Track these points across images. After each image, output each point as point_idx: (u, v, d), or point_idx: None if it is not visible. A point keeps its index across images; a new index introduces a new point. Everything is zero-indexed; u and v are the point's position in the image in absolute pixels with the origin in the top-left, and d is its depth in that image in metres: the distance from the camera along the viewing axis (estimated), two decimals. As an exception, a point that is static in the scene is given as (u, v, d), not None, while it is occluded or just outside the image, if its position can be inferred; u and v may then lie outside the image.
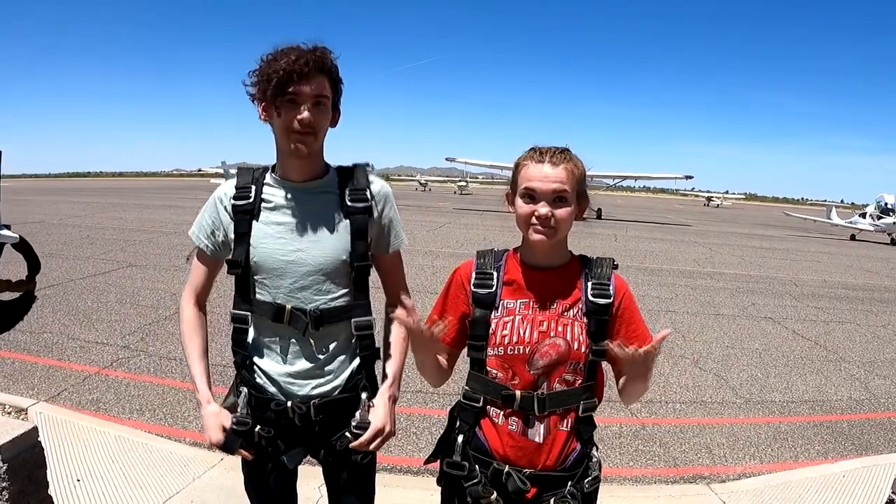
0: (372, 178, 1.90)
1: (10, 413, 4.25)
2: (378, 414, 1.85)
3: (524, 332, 1.69)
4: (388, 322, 1.98)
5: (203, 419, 1.85)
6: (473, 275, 1.78)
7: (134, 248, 13.11)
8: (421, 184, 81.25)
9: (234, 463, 1.94)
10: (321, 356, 1.85)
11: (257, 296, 1.84)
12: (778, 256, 18.79)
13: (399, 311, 1.63)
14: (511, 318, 1.71)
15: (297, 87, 1.68)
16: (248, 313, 1.86)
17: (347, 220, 1.84)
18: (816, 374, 6.65)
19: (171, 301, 8.29)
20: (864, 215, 31.36)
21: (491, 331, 1.72)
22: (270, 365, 1.87)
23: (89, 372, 5.46)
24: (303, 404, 1.83)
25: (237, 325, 1.88)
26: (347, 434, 1.83)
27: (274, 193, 1.84)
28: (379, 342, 1.97)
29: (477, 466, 1.75)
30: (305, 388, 1.85)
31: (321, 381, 1.86)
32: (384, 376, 1.93)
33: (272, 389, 1.86)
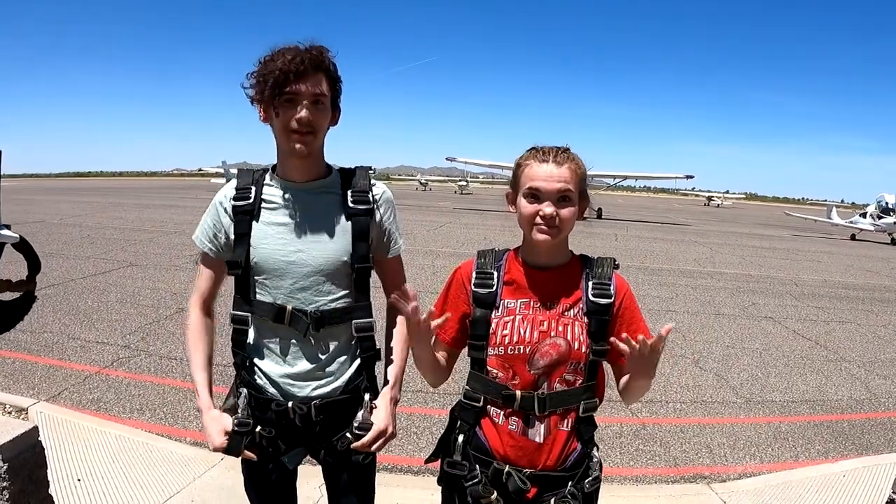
0: (374, 181, 1.90)
1: (10, 413, 4.26)
2: (380, 415, 1.85)
3: (525, 332, 1.69)
4: (390, 324, 1.98)
5: (204, 425, 1.84)
6: (474, 274, 1.78)
7: (134, 247, 13.11)
8: (421, 183, 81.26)
9: (234, 463, 1.94)
10: (322, 357, 1.85)
11: (258, 297, 1.84)
12: (778, 256, 18.78)
13: (394, 295, 1.62)
14: (511, 317, 1.71)
15: (294, 87, 1.68)
16: (249, 314, 1.85)
17: (349, 222, 1.83)
18: (817, 373, 6.65)
19: (172, 301, 8.30)
20: (864, 215, 31.35)
21: (491, 330, 1.72)
22: (270, 366, 1.86)
23: (90, 371, 5.47)
24: (303, 405, 1.82)
25: (237, 326, 1.88)
26: (348, 435, 1.83)
27: (274, 194, 1.84)
28: (380, 343, 1.97)
29: (477, 466, 1.75)
30: (306, 389, 1.84)
31: (321, 382, 1.85)
32: (385, 378, 1.93)
33: (272, 390, 1.86)
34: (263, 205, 1.83)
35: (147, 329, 6.91)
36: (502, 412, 1.74)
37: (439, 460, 1.86)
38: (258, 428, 1.84)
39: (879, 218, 29.32)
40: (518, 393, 1.69)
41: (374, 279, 1.94)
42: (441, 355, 1.85)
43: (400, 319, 2.00)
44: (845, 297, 11.76)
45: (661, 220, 37.04)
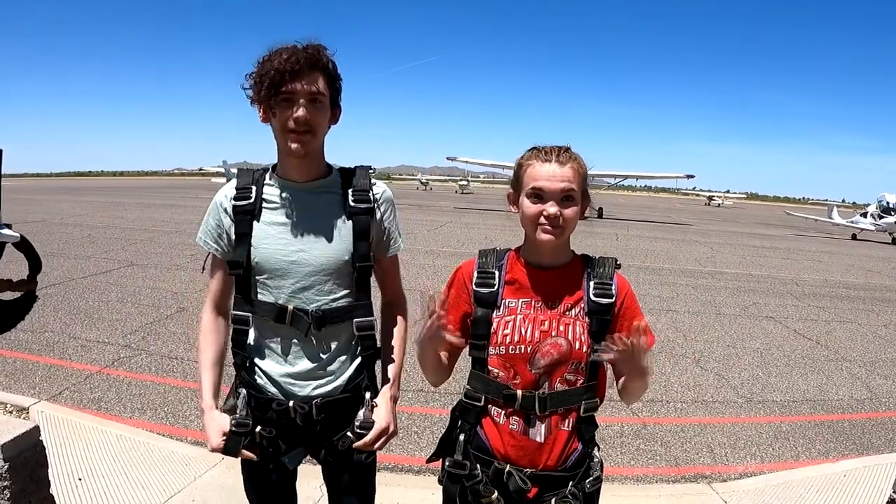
0: (374, 180, 1.90)
1: (11, 412, 4.26)
2: (381, 413, 1.85)
3: (526, 332, 1.69)
4: (387, 323, 1.98)
5: (204, 426, 1.85)
6: (475, 274, 1.78)
7: (135, 247, 13.11)
8: (422, 183, 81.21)
9: (235, 462, 1.94)
10: (323, 356, 1.85)
11: (259, 296, 1.84)
12: (779, 256, 18.77)
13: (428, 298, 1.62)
14: (513, 317, 1.71)
15: (291, 86, 1.67)
16: (250, 314, 1.85)
17: (350, 221, 1.83)
18: (818, 373, 6.64)
19: (173, 300, 8.30)
20: (865, 215, 31.34)
21: (492, 330, 1.72)
22: (271, 366, 1.86)
23: (90, 371, 5.47)
24: (304, 404, 1.82)
25: (237, 326, 1.87)
26: (349, 434, 1.83)
27: (275, 193, 1.83)
28: (379, 342, 1.97)
29: (478, 466, 1.75)
30: (306, 388, 1.84)
31: (322, 381, 1.85)
32: (384, 376, 1.93)
33: (273, 390, 1.86)
34: (264, 205, 1.83)
35: (148, 328, 6.92)
36: (503, 412, 1.74)
37: (440, 460, 1.86)
38: (258, 428, 1.83)
39: (880, 217, 29.32)
40: (519, 392, 1.69)
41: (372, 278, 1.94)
42: (443, 354, 1.85)
43: (400, 319, 2.01)
44: (846, 296, 11.76)
45: (662, 220, 37.03)
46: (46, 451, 2.41)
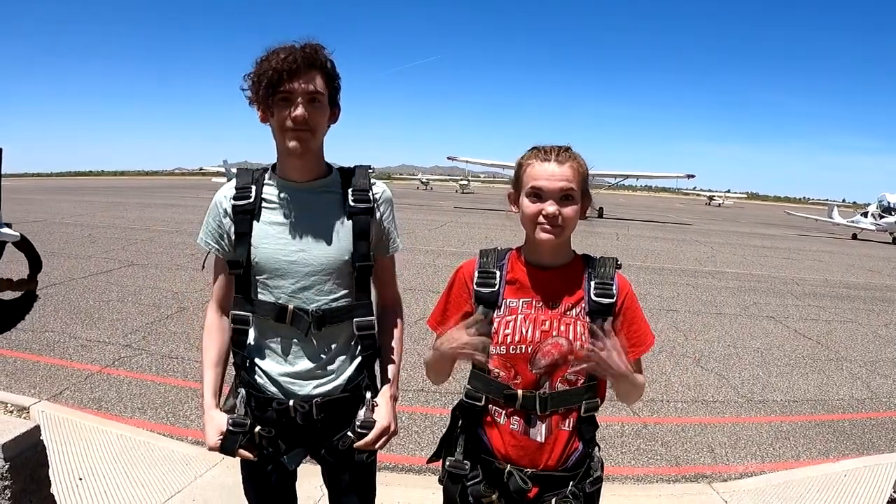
0: (374, 180, 1.90)
1: (12, 412, 4.26)
2: (382, 413, 1.85)
3: (526, 332, 1.69)
4: (384, 322, 1.98)
5: (204, 425, 1.85)
6: (476, 273, 1.78)
7: (136, 246, 13.11)
8: (422, 182, 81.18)
9: (235, 462, 1.94)
10: (323, 356, 1.85)
11: (259, 296, 1.84)
12: (779, 255, 18.77)
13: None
14: (513, 317, 1.71)
15: (289, 85, 1.67)
16: (250, 314, 1.85)
17: (350, 221, 1.83)
18: (818, 373, 6.64)
19: (173, 300, 8.31)
20: (865, 214, 31.35)
21: (493, 329, 1.72)
22: (271, 365, 1.86)
23: (91, 371, 5.47)
24: (305, 403, 1.82)
25: (238, 326, 1.87)
26: (350, 434, 1.83)
27: (275, 193, 1.83)
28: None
29: (479, 466, 1.75)
30: (306, 387, 1.84)
31: (322, 380, 1.85)
32: (384, 376, 1.93)
33: (273, 389, 1.86)
34: (264, 204, 1.83)
35: (148, 328, 6.92)
36: (504, 412, 1.74)
37: (441, 460, 1.86)
38: (257, 428, 1.83)
39: (881, 217, 29.32)
40: (520, 392, 1.69)
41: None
42: None
43: (397, 319, 2.01)
44: (847, 296, 11.75)
45: (662, 220, 37.03)
46: (47, 450, 2.41)
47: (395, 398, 1.91)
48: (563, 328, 1.68)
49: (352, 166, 1.92)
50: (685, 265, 14.88)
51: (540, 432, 1.70)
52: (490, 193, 62.84)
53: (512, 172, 1.82)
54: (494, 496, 1.71)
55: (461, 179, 73.00)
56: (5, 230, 2.35)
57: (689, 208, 68.82)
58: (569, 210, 1.65)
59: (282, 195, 1.83)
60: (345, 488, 1.96)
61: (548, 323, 1.69)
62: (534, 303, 1.71)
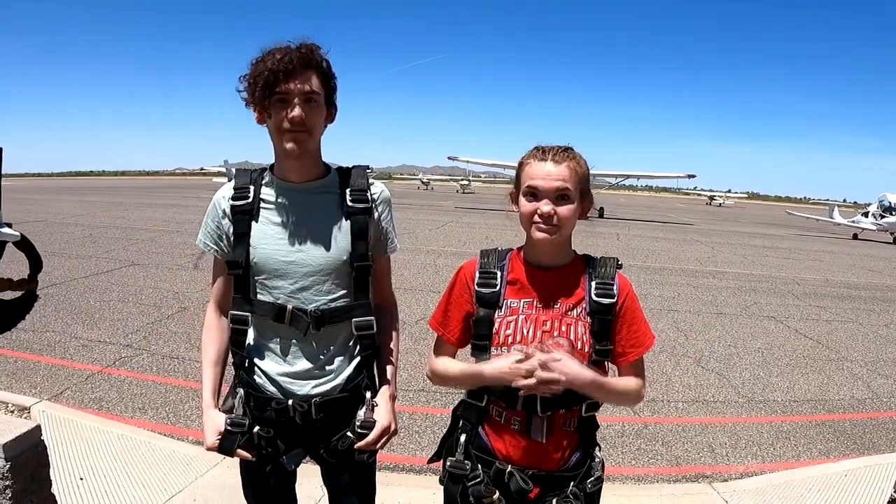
0: (372, 180, 1.90)
1: (12, 412, 4.26)
2: (382, 413, 1.85)
3: (527, 332, 1.69)
4: (381, 322, 1.97)
5: (203, 425, 1.85)
6: (477, 274, 1.77)
7: (136, 246, 13.12)
8: (423, 182, 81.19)
9: (236, 462, 1.95)
10: (322, 356, 1.85)
11: (258, 296, 1.84)
12: (780, 255, 18.76)
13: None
14: (514, 317, 1.71)
15: (285, 86, 1.67)
16: (249, 314, 1.85)
17: (348, 221, 1.83)
18: (819, 373, 6.64)
19: (174, 300, 8.31)
20: (866, 214, 31.34)
21: (494, 330, 1.72)
22: (270, 365, 1.86)
23: (92, 371, 5.47)
24: (304, 402, 1.82)
25: (236, 326, 1.87)
26: (350, 434, 1.83)
27: (273, 194, 1.83)
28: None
29: (479, 466, 1.75)
30: (305, 387, 1.84)
31: (321, 380, 1.85)
32: (382, 376, 1.93)
33: (272, 389, 1.86)
34: (262, 205, 1.83)
35: (149, 328, 6.92)
36: (505, 412, 1.74)
37: (441, 460, 1.86)
38: (256, 428, 1.84)
39: (881, 217, 29.31)
40: (521, 392, 1.69)
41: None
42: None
43: (393, 319, 2.01)
44: (847, 296, 11.75)
45: (663, 220, 37.02)
46: (48, 450, 2.41)
47: (393, 398, 1.91)
48: (563, 328, 1.68)
49: (350, 166, 1.92)
50: (686, 265, 14.88)
51: (541, 432, 1.70)
52: (491, 193, 62.85)
53: (512, 172, 1.83)
54: (495, 496, 1.70)
55: (462, 179, 73.00)
56: (5, 230, 2.35)
57: (691, 208, 68.81)
58: (564, 210, 1.65)
59: (280, 196, 1.83)
60: (345, 488, 1.96)
61: (549, 323, 1.68)
62: (535, 303, 1.71)
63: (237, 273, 1.83)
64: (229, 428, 1.81)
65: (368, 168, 1.93)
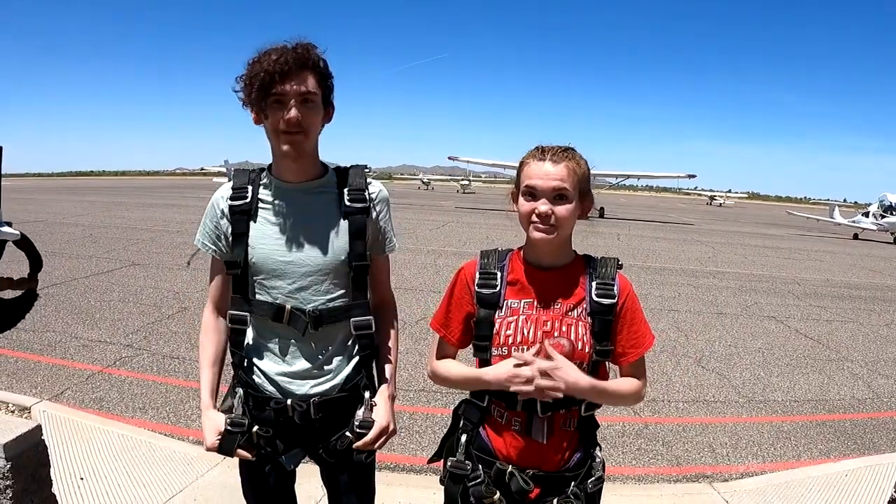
0: (370, 179, 1.90)
1: (13, 411, 4.26)
2: (381, 412, 1.85)
3: (528, 332, 1.68)
4: (380, 322, 1.97)
5: (202, 425, 1.85)
6: (477, 275, 1.77)
7: (137, 246, 13.12)
8: (423, 182, 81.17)
9: (237, 462, 1.95)
10: (320, 356, 1.85)
11: (257, 296, 1.84)
12: (780, 255, 18.76)
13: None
14: (515, 317, 1.70)
15: (281, 87, 1.66)
16: (247, 314, 1.85)
17: (346, 221, 1.83)
18: (819, 373, 6.63)
19: (174, 300, 8.31)
20: (867, 214, 31.34)
21: (495, 331, 1.71)
22: (269, 365, 1.86)
23: (92, 370, 5.47)
24: (302, 402, 1.82)
25: (235, 326, 1.87)
26: (348, 434, 1.83)
27: (271, 194, 1.83)
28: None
29: (480, 466, 1.75)
30: (304, 387, 1.84)
31: (320, 380, 1.85)
32: (381, 376, 1.93)
33: (270, 388, 1.86)
34: (260, 205, 1.83)
35: (150, 328, 6.92)
36: (505, 412, 1.74)
37: (442, 460, 1.86)
38: (255, 428, 1.84)
39: (882, 217, 29.31)
40: (519, 397, 1.68)
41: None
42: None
43: (392, 318, 2.01)
44: (848, 296, 11.74)
45: (664, 220, 37.02)
46: (48, 450, 2.41)
47: (392, 398, 1.91)
48: (564, 329, 1.68)
49: (347, 166, 1.92)
50: (686, 265, 14.88)
51: (541, 433, 1.70)
52: (491, 193, 62.84)
53: (512, 172, 1.83)
54: (496, 497, 1.70)
55: (462, 179, 72.99)
56: (6, 229, 2.35)
57: (691, 208, 68.79)
58: (562, 210, 1.64)
59: (278, 196, 1.83)
60: (343, 488, 1.95)
61: (549, 323, 1.68)
62: (535, 303, 1.71)
63: (236, 273, 1.83)
64: (229, 428, 1.81)
65: (366, 168, 1.93)
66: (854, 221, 32.15)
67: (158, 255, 12.09)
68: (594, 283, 1.71)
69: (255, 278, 1.83)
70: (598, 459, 1.78)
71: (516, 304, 1.72)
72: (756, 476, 4.19)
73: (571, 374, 1.60)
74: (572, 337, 1.67)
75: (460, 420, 1.84)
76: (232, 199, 1.83)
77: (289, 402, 1.83)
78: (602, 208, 30.63)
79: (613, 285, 1.71)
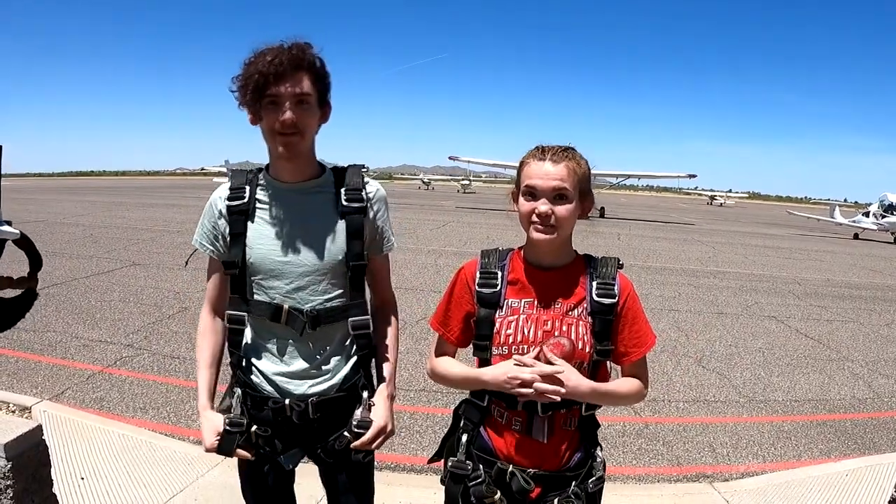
0: (367, 179, 1.90)
1: (14, 411, 4.26)
2: (379, 412, 1.85)
3: (528, 332, 1.68)
4: (379, 322, 1.97)
5: (201, 427, 1.85)
6: (478, 274, 1.77)
7: (137, 246, 13.13)
8: (424, 182, 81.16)
9: (237, 461, 1.95)
10: (318, 356, 1.85)
11: (255, 296, 1.84)
12: (781, 255, 18.75)
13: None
14: (515, 317, 1.70)
15: (275, 89, 1.66)
16: (245, 314, 1.85)
17: (343, 221, 1.83)
18: (819, 372, 6.63)
19: (175, 300, 8.31)
20: (867, 214, 31.33)
21: (495, 330, 1.71)
22: (267, 365, 1.86)
23: (93, 370, 5.47)
24: (300, 402, 1.82)
25: (233, 326, 1.87)
26: (347, 434, 1.83)
27: (268, 194, 1.83)
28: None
29: (481, 466, 1.75)
30: (302, 387, 1.84)
31: (318, 380, 1.85)
32: (380, 375, 1.93)
33: (268, 388, 1.86)
34: (258, 205, 1.83)
35: (150, 328, 6.92)
36: (506, 412, 1.74)
37: (443, 460, 1.86)
38: (253, 428, 1.84)
39: (882, 217, 29.30)
40: (519, 399, 1.68)
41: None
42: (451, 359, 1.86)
43: (392, 318, 2.00)
44: (848, 296, 11.74)
45: (664, 220, 37.01)
46: (49, 450, 2.41)
47: (392, 397, 1.91)
48: (564, 328, 1.68)
49: (345, 166, 1.92)
50: (687, 265, 14.87)
51: (542, 432, 1.70)
52: (492, 193, 62.82)
53: (513, 172, 1.83)
54: (497, 496, 1.70)
55: (463, 179, 72.97)
56: (5, 228, 2.35)
57: (692, 208, 68.76)
58: (562, 209, 1.64)
59: (275, 196, 1.82)
60: (342, 488, 1.95)
61: (550, 323, 1.68)
62: (535, 303, 1.71)
63: (233, 273, 1.83)
64: (228, 428, 1.81)
65: (364, 167, 1.92)
66: (854, 221, 32.14)
67: (159, 255, 12.09)
68: (595, 283, 1.71)
69: (252, 278, 1.83)
70: (598, 459, 1.78)
71: (517, 304, 1.72)
72: (756, 476, 4.18)
73: (572, 379, 1.60)
74: (573, 336, 1.67)
75: (461, 420, 1.84)
76: (230, 199, 1.83)
77: (287, 401, 1.83)
78: (602, 208, 30.60)
79: (614, 285, 1.71)
